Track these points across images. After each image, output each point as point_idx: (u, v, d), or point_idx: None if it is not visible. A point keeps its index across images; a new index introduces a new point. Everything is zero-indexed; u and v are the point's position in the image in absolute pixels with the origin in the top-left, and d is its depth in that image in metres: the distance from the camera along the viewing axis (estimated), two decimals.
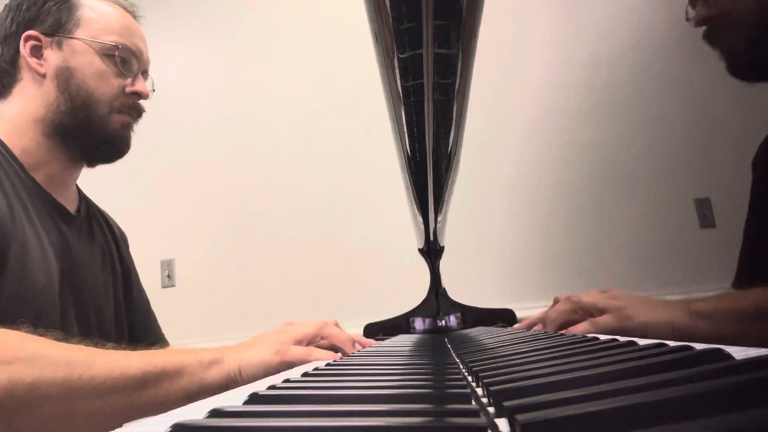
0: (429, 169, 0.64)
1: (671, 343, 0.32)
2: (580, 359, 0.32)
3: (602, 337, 0.49)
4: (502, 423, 0.20)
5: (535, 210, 2.14)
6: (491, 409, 0.24)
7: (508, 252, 2.11)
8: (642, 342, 0.37)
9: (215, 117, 2.43)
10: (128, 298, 0.94)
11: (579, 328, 0.67)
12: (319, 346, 0.67)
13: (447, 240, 1.07)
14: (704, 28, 0.83)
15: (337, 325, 0.75)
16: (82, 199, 0.90)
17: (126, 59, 0.82)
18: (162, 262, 2.33)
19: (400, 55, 0.41)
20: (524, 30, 2.28)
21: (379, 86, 0.51)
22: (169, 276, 2.32)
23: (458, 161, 0.71)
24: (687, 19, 0.88)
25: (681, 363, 0.25)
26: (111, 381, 0.53)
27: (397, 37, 0.39)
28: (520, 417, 0.17)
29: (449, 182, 0.74)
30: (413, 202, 0.81)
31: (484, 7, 0.39)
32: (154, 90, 0.90)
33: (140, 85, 0.84)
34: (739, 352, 0.26)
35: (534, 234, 2.12)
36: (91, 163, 0.86)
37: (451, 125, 0.56)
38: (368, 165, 2.18)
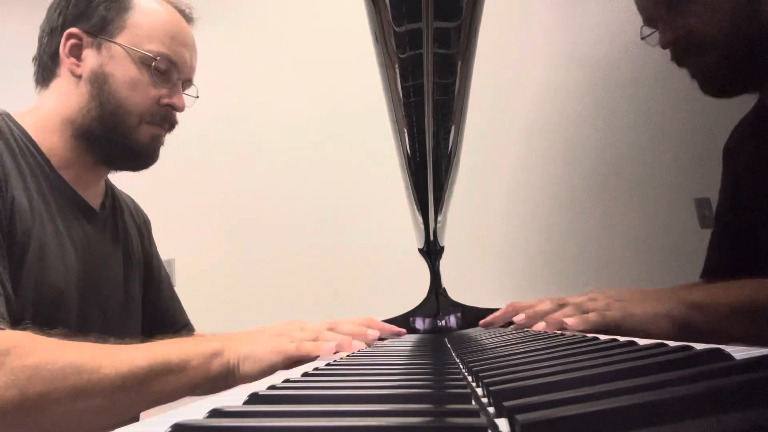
0: (429, 169, 0.64)
1: (671, 343, 0.32)
2: (580, 359, 0.32)
3: (602, 337, 0.49)
4: (502, 423, 0.20)
5: (536, 210, 2.14)
6: (491, 409, 0.24)
7: (508, 252, 2.11)
8: (642, 342, 0.37)
9: (215, 117, 2.43)
10: (152, 286, 0.94)
11: (589, 318, 0.66)
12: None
13: (447, 240, 1.07)
14: (671, 50, 0.82)
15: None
16: (108, 189, 0.90)
17: (165, 69, 0.80)
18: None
19: (400, 55, 0.41)
20: (524, 30, 2.27)
21: (379, 86, 0.51)
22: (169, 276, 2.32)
23: (458, 161, 0.71)
24: (642, 38, 0.86)
25: (681, 363, 0.25)
26: (119, 381, 0.54)
27: (397, 37, 0.39)
28: (520, 417, 0.17)
29: (449, 182, 0.74)
30: (413, 202, 0.81)
31: (484, 7, 0.39)
32: (198, 97, 0.89)
33: (176, 98, 0.82)
34: (739, 352, 0.26)
35: (534, 234, 2.12)
36: (116, 169, 0.85)
37: (451, 125, 0.56)
38: (368, 165, 2.17)
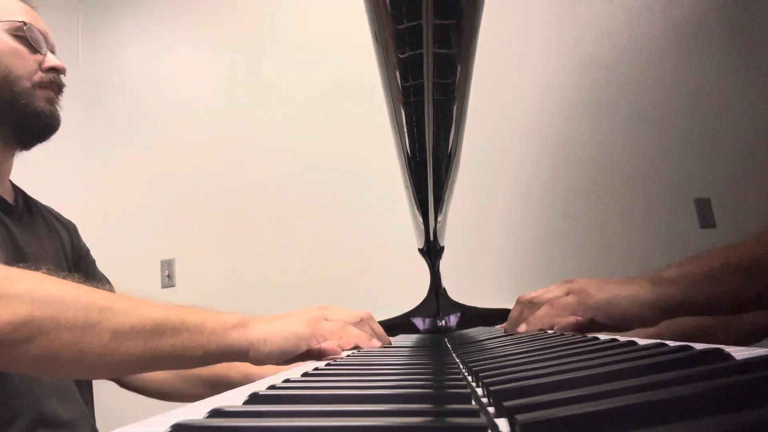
0: (429, 169, 0.64)
1: (671, 343, 0.32)
2: (580, 359, 0.32)
3: (602, 337, 0.49)
4: (502, 423, 0.20)
5: (535, 210, 2.14)
6: (491, 409, 0.24)
7: (508, 252, 2.11)
8: (642, 342, 0.37)
9: (215, 117, 2.43)
10: (85, 280, 0.94)
11: (540, 313, 0.66)
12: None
13: (447, 240, 1.07)
14: None
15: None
16: (18, 192, 0.90)
17: (35, 37, 0.83)
18: (162, 262, 2.33)
19: (400, 55, 0.41)
20: (524, 30, 2.27)
21: (379, 86, 0.51)
22: (169, 276, 2.32)
23: (458, 161, 0.71)
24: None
25: (681, 363, 0.25)
26: (128, 323, 0.53)
27: (397, 37, 0.39)
28: (520, 417, 0.17)
29: (449, 182, 0.74)
30: (413, 202, 0.81)
31: (484, 7, 0.39)
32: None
33: (55, 60, 0.85)
34: (739, 352, 0.26)
35: (534, 234, 2.12)
36: (25, 143, 0.86)
37: (451, 125, 0.56)
38: (368, 165, 2.17)
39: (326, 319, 0.63)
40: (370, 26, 0.41)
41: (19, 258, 0.78)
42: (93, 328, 0.52)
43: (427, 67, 0.42)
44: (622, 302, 0.62)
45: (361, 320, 0.67)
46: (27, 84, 0.82)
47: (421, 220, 0.89)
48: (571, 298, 0.65)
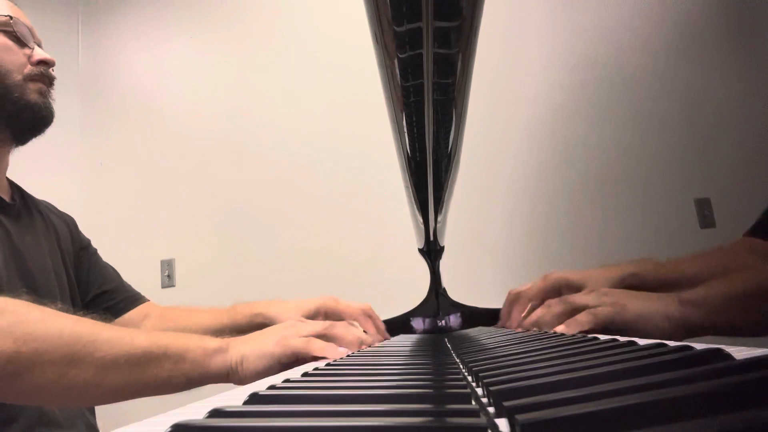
0: (429, 169, 0.64)
1: (671, 343, 0.32)
2: (580, 359, 0.32)
3: (602, 337, 0.49)
4: (502, 423, 0.20)
5: (535, 210, 2.14)
6: (491, 409, 0.24)
7: (508, 252, 2.11)
8: (642, 342, 0.37)
9: (215, 117, 2.43)
10: (86, 272, 0.95)
11: (582, 319, 0.67)
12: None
13: (447, 240, 1.07)
14: None
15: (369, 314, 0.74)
16: (15, 189, 0.90)
17: (22, 31, 0.84)
18: (162, 262, 2.33)
19: (400, 55, 0.41)
20: (524, 30, 2.27)
21: (379, 86, 0.51)
22: (169, 276, 2.32)
23: (458, 161, 0.70)
24: None
25: (681, 363, 0.25)
26: (112, 355, 0.53)
27: (397, 37, 0.39)
28: (520, 417, 0.17)
29: (449, 182, 0.74)
30: (413, 202, 0.81)
31: (484, 7, 0.39)
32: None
33: (43, 54, 0.85)
34: (739, 352, 0.26)
35: (534, 234, 2.12)
36: (20, 138, 0.86)
37: (451, 125, 0.56)
38: (368, 165, 2.18)
39: (299, 335, 0.64)
40: (371, 27, 0.41)
41: (16, 256, 0.78)
42: (77, 363, 0.51)
43: (427, 67, 0.42)
44: (655, 318, 0.65)
45: (331, 324, 0.68)
46: (18, 77, 0.82)
47: (421, 220, 0.89)
48: (609, 310, 0.67)
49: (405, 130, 0.55)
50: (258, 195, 2.32)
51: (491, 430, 0.20)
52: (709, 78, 2.17)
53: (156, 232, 2.34)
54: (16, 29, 0.83)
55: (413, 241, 1.10)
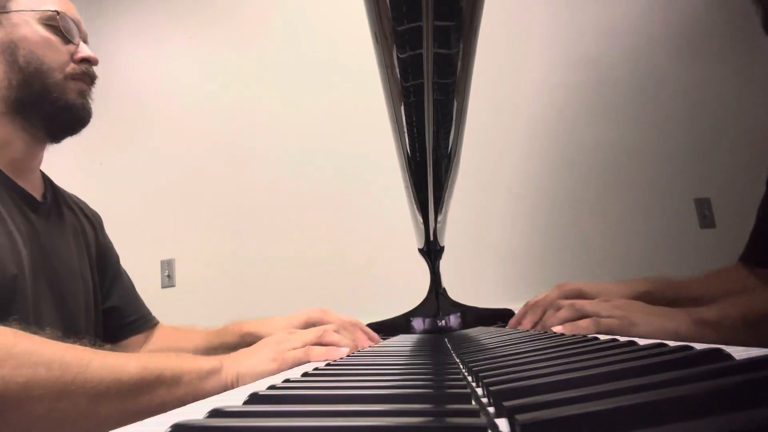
0: (429, 169, 0.64)
1: (671, 343, 0.32)
2: (580, 359, 0.32)
3: (602, 337, 0.49)
4: (502, 423, 0.20)
5: (535, 210, 2.14)
6: (491, 409, 0.24)
7: (508, 252, 2.11)
8: (642, 342, 0.37)
9: (215, 117, 2.43)
10: (108, 279, 0.93)
11: (583, 324, 0.67)
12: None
13: (447, 240, 1.07)
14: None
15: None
16: (48, 184, 0.88)
17: (68, 27, 0.82)
18: (162, 262, 2.33)
19: (400, 55, 0.41)
20: (524, 30, 2.27)
21: (379, 86, 0.51)
22: (169, 276, 2.32)
23: (458, 161, 0.70)
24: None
25: (681, 363, 0.25)
26: (104, 385, 0.51)
27: (397, 37, 0.39)
28: (520, 417, 0.17)
29: (449, 182, 0.74)
30: (413, 202, 0.81)
31: (484, 7, 0.39)
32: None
33: (88, 51, 0.84)
34: (739, 352, 0.26)
35: (534, 234, 2.12)
36: (56, 137, 0.84)
37: (451, 125, 0.56)
38: (368, 165, 2.18)
39: (293, 348, 0.63)
40: (370, 26, 0.41)
41: (42, 256, 0.76)
42: (68, 395, 0.49)
43: (427, 67, 0.42)
44: (664, 337, 0.66)
45: (324, 331, 0.68)
46: (59, 76, 0.80)
47: (421, 220, 0.89)
48: (615, 322, 0.66)
49: (405, 130, 0.55)
50: (258, 195, 2.32)
51: (491, 430, 0.20)
52: (710, 78, 2.17)
53: (156, 232, 2.33)
54: (61, 24, 0.80)
55: (413, 241, 1.10)
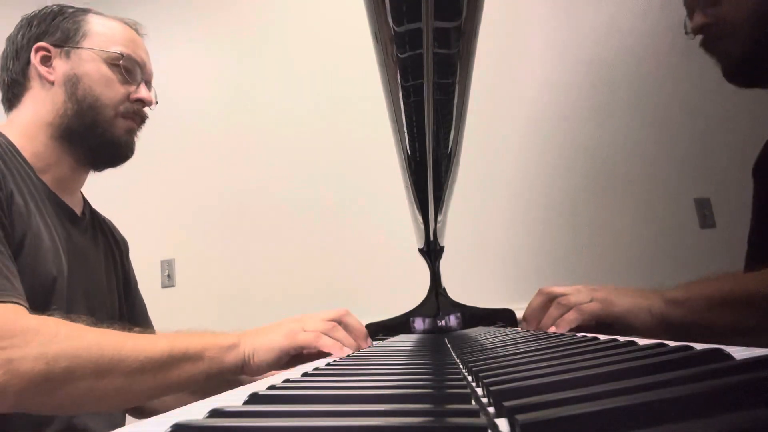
0: (429, 169, 0.64)
1: (671, 343, 0.32)
2: (579, 359, 0.32)
3: (602, 337, 0.49)
4: (502, 423, 0.20)
5: (535, 210, 2.14)
6: (491, 409, 0.24)
7: (508, 252, 2.11)
8: (642, 342, 0.37)
9: (215, 117, 2.43)
10: (128, 303, 0.98)
11: (569, 317, 0.70)
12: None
13: (447, 240, 1.07)
14: (701, 36, 0.86)
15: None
16: (86, 204, 0.94)
17: (130, 68, 0.87)
18: (162, 262, 2.33)
19: (400, 55, 0.41)
20: (524, 30, 2.28)
21: (379, 86, 0.51)
22: (169, 276, 2.32)
23: (458, 161, 0.70)
24: (686, 33, 0.91)
25: (681, 363, 0.25)
26: (138, 363, 0.58)
27: (397, 37, 0.39)
28: (520, 417, 0.17)
29: (449, 182, 0.74)
30: (413, 202, 0.81)
31: (484, 7, 0.39)
32: (157, 102, 0.94)
33: (144, 93, 0.88)
34: (739, 352, 0.26)
35: (534, 234, 2.12)
36: (97, 167, 0.90)
37: (451, 125, 0.56)
38: (368, 165, 2.18)
39: (304, 330, 0.68)
40: (370, 26, 0.41)
41: (78, 266, 0.81)
42: (106, 375, 0.57)
43: (427, 67, 0.42)
44: (640, 314, 0.70)
45: (334, 326, 0.71)
46: (111, 113, 0.85)
47: (421, 220, 0.89)
48: (596, 305, 0.71)
49: (405, 130, 0.55)
50: (258, 195, 2.32)
51: (491, 430, 0.20)
52: (710, 77, 2.17)
53: (156, 232, 2.33)
54: (124, 65, 0.86)
55: (413, 241, 1.10)
